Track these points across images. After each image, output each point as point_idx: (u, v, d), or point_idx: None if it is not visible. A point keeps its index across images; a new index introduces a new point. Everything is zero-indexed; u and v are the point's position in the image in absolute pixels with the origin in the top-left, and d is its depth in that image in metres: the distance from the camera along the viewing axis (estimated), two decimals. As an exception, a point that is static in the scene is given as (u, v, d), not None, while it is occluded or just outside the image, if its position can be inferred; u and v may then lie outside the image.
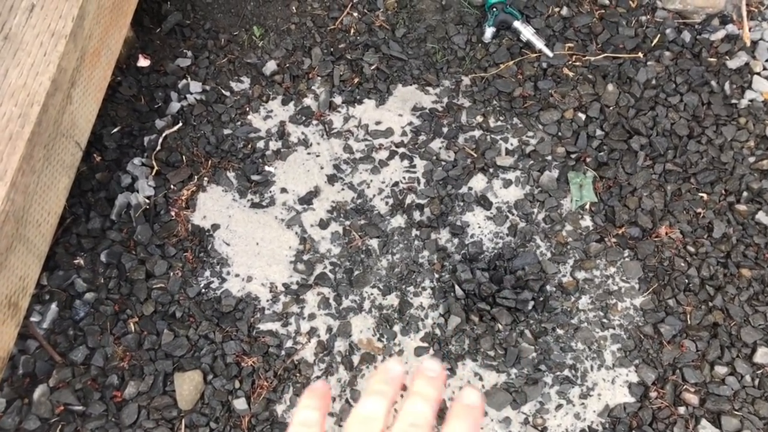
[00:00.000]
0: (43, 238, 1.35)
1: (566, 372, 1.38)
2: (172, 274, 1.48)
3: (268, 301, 1.47)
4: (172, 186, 1.58)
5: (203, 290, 1.47)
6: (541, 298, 1.46)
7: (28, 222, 1.29)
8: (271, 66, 1.76)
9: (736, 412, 1.34)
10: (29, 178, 1.21)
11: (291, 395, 1.37)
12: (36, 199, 1.32)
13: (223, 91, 1.73)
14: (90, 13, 1.37)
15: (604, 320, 1.44)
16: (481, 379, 1.38)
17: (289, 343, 1.42)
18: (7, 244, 1.19)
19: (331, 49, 1.80)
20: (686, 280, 1.48)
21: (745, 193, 1.60)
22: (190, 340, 1.40)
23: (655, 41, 1.83)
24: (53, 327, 1.41)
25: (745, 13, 1.88)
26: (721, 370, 1.38)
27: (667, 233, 1.54)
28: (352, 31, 1.84)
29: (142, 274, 1.47)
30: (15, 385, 1.34)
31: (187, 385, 1.34)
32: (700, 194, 1.60)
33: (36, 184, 1.31)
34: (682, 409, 1.35)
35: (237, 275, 1.49)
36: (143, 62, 1.79)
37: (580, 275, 1.50)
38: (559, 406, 1.35)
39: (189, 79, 1.73)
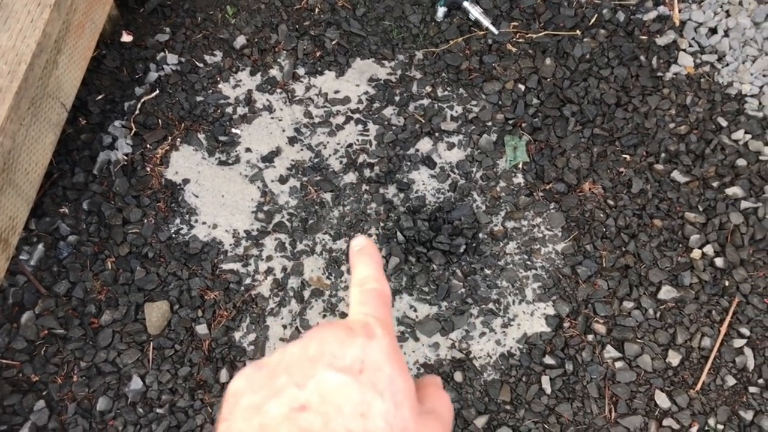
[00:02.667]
0: (31, 185, 1.54)
1: (491, 305, 1.56)
2: (146, 221, 1.66)
3: (230, 245, 1.65)
4: (148, 145, 1.76)
5: (173, 235, 1.66)
6: (474, 244, 1.64)
7: (17, 169, 1.47)
8: (241, 41, 1.94)
9: (638, 340, 1.52)
10: (16, 127, 1.40)
11: (248, 323, 1.56)
12: (24, 150, 1.51)
13: (197, 63, 1.91)
14: (73, -12, 1.56)
15: (528, 262, 1.62)
16: (415, 310, 1.56)
17: (248, 281, 1.61)
18: (-2, 184, 1.38)
19: (297, 26, 1.99)
20: (604, 229, 1.66)
21: (663, 155, 1.78)
22: (160, 276, 1.59)
23: (592, 20, 2.01)
24: (39, 264, 1.60)
25: (676, -4, 2.06)
26: (628, 305, 1.56)
27: (590, 188, 1.72)
28: (317, 10, 2.03)
29: (119, 220, 1.65)
30: (5, 312, 1.53)
31: (156, 314, 1.53)
32: (624, 155, 1.78)
33: (24, 136, 1.50)
34: (590, 337, 1.53)
35: (204, 223, 1.68)
36: (126, 38, 1.98)
37: (510, 224, 1.68)
38: (482, 334, 1.54)
39: (167, 52, 1.92)
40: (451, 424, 0.45)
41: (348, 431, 0.39)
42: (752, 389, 1.49)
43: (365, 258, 0.51)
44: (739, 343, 1.53)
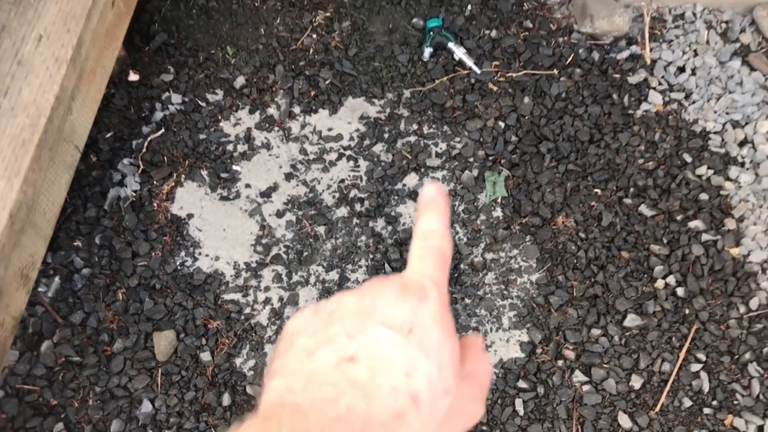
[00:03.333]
0: (48, 223, 1.68)
1: (470, 333, 1.71)
2: (153, 254, 1.80)
3: (231, 276, 1.79)
4: (154, 182, 1.91)
5: (179, 267, 1.80)
6: (455, 274, 1.78)
7: (37, 210, 1.61)
8: (240, 80, 2.08)
9: (604, 365, 1.67)
10: (38, 175, 1.54)
11: (247, 350, 1.70)
12: (43, 192, 1.65)
13: (200, 102, 2.05)
14: (87, 41, 1.70)
15: (505, 292, 1.77)
16: (400, 338, 1.70)
17: (247, 310, 1.75)
18: (20, 228, 1.52)
19: (293, 67, 2.13)
20: (575, 261, 1.81)
21: (632, 189, 1.92)
22: (167, 306, 1.73)
23: (569, 59, 2.15)
24: (56, 296, 1.74)
25: (647, 35, 2.20)
26: (596, 332, 1.71)
27: (563, 222, 1.86)
28: (311, 50, 2.17)
29: (129, 254, 1.79)
30: (26, 341, 1.67)
31: (164, 342, 1.67)
32: (595, 190, 1.93)
33: (43, 179, 1.64)
34: (561, 363, 1.68)
35: (207, 255, 1.82)
36: (133, 77, 2.12)
37: (489, 256, 1.82)
38: (462, 360, 1.68)
39: (171, 92, 2.06)
40: (489, 387, 0.47)
41: (393, 387, 0.40)
42: (706, 410, 1.63)
43: (434, 210, 0.50)
44: (695, 367, 1.67)
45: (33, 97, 1.55)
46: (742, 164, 1.97)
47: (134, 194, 1.88)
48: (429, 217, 0.50)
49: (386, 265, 1.79)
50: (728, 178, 1.94)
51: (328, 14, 2.23)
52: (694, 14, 2.26)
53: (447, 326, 0.44)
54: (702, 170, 1.94)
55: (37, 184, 1.56)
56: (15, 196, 1.45)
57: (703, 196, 1.90)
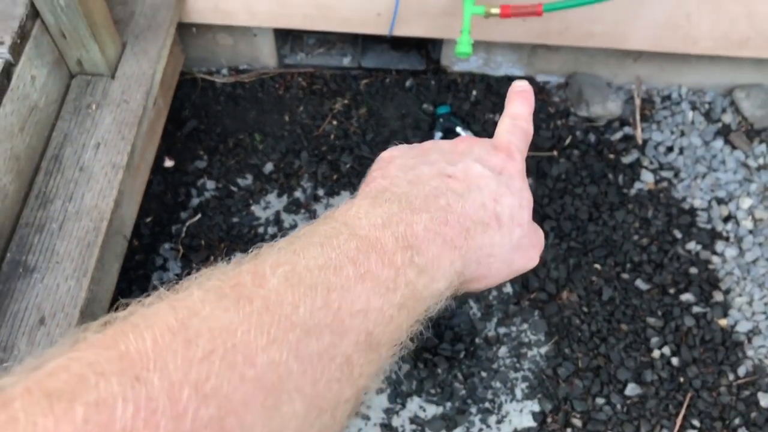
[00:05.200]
0: (103, 311, 1.85)
1: (486, 404, 1.88)
2: (196, 333, 1.97)
3: (268, 353, 1.96)
4: (194, 265, 2.08)
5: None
6: (471, 349, 1.96)
7: (96, 301, 1.79)
8: (269, 167, 2.28)
9: (609, 432, 1.85)
10: (101, 273, 1.71)
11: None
12: (101, 284, 1.82)
13: (232, 188, 2.24)
14: (138, 146, 1.89)
15: (517, 365, 1.95)
16: (424, 410, 1.88)
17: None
18: (85, 321, 1.68)
19: (316, 152, 2.32)
20: (579, 334, 1.99)
21: (628, 265, 2.11)
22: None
23: (567, 141, 2.36)
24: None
25: (638, 118, 2.42)
26: (600, 401, 1.89)
27: (567, 297, 2.05)
28: (332, 136, 2.37)
29: (173, 333, 1.96)
30: None
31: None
32: (595, 265, 2.12)
33: (103, 275, 1.81)
34: (569, 430, 1.85)
35: (244, 333, 1.99)
36: (169, 163, 2.31)
37: (501, 330, 2.01)
38: (480, 429, 1.85)
39: (205, 178, 2.24)
40: (542, 249, 0.55)
41: (482, 204, 0.48)
42: (702, 473, 1.81)
43: (524, 99, 0.57)
44: (691, 432, 1.86)
45: (95, 202, 1.73)
46: (727, 239, 2.17)
47: (176, 278, 2.05)
48: (519, 102, 0.57)
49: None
50: (715, 253, 2.14)
51: (346, 101, 2.43)
52: (680, 95, 2.48)
53: (526, 183, 0.53)
54: (691, 245, 2.14)
55: (100, 280, 1.74)
56: (84, 295, 1.62)
57: (693, 270, 2.10)
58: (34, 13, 1.70)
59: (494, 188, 0.49)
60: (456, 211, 0.46)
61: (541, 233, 0.56)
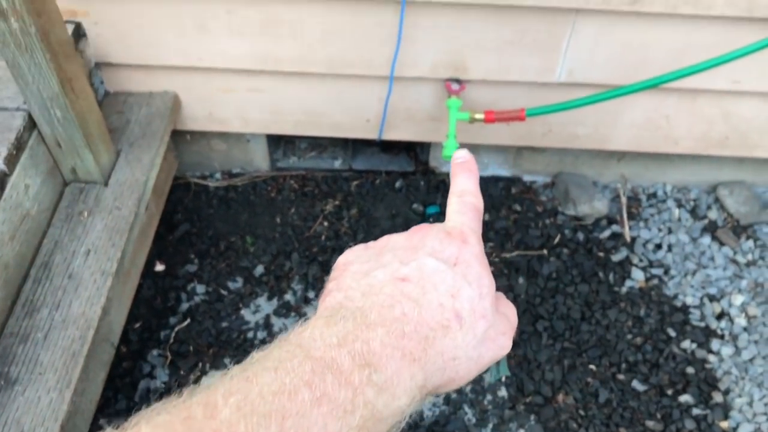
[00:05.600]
0: (86, 422, 1.79)
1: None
2: (181, 444, 1.90)
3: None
4: (182, 372, 2.04)
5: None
6: (467, 457, 1.90)
7: (79, 413, 1.73)
8: (259, 269, 2.27)
9: None
10: (85, 384, 1.67)
11: None
12: (84, 394, 1.77)
13: (222, 291, 2.23)
14: (128, 252, 1.89)
15: (515, 473, 1.88)
16: None
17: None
18: (66, 434, 1.63)
19: (307, 254, 2.33)
20: (578, 439, 1.93)
21: (623, 365, 2.08)
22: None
23: (556, 240, 2.38)
24: (89, 492, 1.82)
25: (625, 216, 2.45)
26: None
27: (563, 400, 2.01)
28: (323, 237, 2.38)
29: (158, 445, 1.89)
30: None
31: None
32: (590, 366, 2.08)
33: (87, 385, 1.77)
34: None
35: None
36: (159, 267, 2.30)
37: (497, 436, 1.95)
38: None
39: (195, 282, 2.24)
40: (515, 327, 0.53)
41: (440, 304, 0.46)
42: None
43: (467, 172, 0.57)
44: None
45: (82, 310, 1.72)
46: (722, 337, 2.15)
47: (164, 385, 2.01)
48: (463, 176, 0.57)
49: None
50: (711, 351, 2.11)
51: (337, 202, 2.47)
52: (665, 193, 2.53)
53: (486, 266, 0.51)
54: (686, 344, 2.12)
55: (84, 391, 1.69)
56: (66, 408, 1.57)
57: (690, 370, 2.06)
58: (31, 125, 1.75)
59: (451, 283, 0.48)
60: (413, 319, 0.45)
61: (510, 314, 0.54)
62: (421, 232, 0.53)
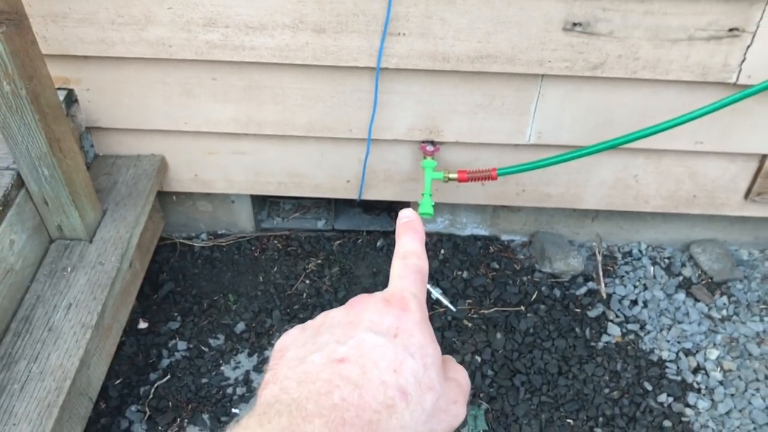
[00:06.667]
0: (59, 477, 1.79)
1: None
2: (155, 501, 1.89)
3: None
4: (159, 428, 2.04)
5: None
6: None
7: (51, 466, 1.73)
8: (241, 326, 2.31)
9: None
10: (58, 435, 1.69)
11: None
12: (57, 447, 1.78)
13: (203, 348, 2.25)
14: (109, 306, 1.93)
15: None
16: None
17: None
18: (37, 486, 1.63)
19: (288, 311, 2.37)
20: (555, 494, 1.92)
21: (601, 419, 2.09)
22: None
23: (534, 297, 2.42)
24: None
25: (601, 273, 2.50)
26: None
27: (541, 455, 2.00)
28: (305, 294, 2.43)
29: (132, 502, 1.88)
30: None
31: None
32: (568, 420, 2.09)
33: (59, 435, 1.78)
34: None
35: (207, 501, 1.91)
36: (142, 324, 2.34)
37: (474, 492, 1.93)
38: None
39: (177, 339, 2.27)
40: (468, 393, 0.50)
41: (382, 382, 0.43)
42: None
43: (411, 232, 0.54)
44: None
45: (60, 362, 1.75)
46: (699, 390, 2.16)
47: (140, 441, 2.01)
48: (408, 237, 0.54)
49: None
50: (687, 405, 2.12)
51: (319, 261, 2.52)
52: (640, 251, 2.59)
53: (428, 333, 0.47)
54: (663, 398, 2.13)
55: (55, 442, 1.71)
56: (38, 460, 1.59)
57: (667, 423, 2.07)
58: (19, 183, 1.83)
59: (392, 357, 0.44)
60: (353, 404, 0.41)
61: (461, 378, 0.50)
62: (359, 305, 0.49)
